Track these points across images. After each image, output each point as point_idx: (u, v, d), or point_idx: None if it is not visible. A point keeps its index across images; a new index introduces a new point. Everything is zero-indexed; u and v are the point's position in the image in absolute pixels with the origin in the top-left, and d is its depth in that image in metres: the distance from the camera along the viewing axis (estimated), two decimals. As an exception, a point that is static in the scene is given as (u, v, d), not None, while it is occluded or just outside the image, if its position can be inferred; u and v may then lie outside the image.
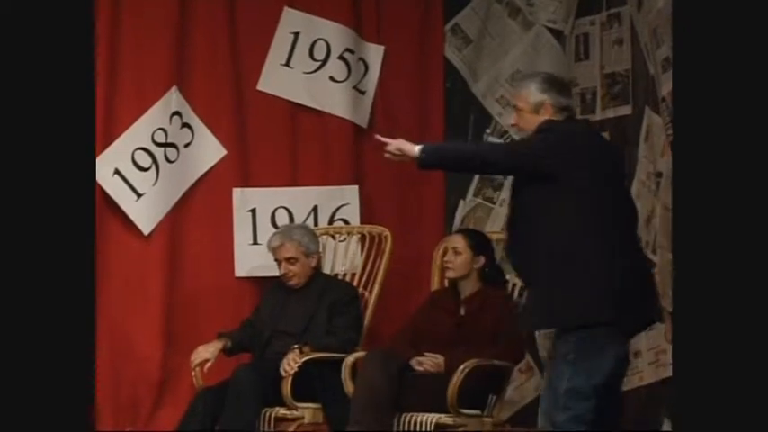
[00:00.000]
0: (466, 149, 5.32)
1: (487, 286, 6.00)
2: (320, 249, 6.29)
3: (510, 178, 6.04)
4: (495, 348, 5.81)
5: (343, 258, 6.51)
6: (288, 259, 6.10)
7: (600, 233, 4.87)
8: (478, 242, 6.00)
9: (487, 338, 5.89)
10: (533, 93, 5.01)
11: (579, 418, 4.75)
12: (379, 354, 5.85)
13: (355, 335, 6.08)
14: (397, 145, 4.97)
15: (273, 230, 6.50)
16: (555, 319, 4.95)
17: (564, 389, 4.77)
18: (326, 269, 6.41)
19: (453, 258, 5.98)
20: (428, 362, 5.82)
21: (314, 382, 5.85)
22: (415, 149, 4.93)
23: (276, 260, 6.17)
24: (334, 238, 6.51)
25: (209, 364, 6.02)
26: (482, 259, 5.97)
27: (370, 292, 6.37)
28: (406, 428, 5.66)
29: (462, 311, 5.96)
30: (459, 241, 6.01)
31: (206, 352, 6.03)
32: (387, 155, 5.03)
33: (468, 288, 5.97)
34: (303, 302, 6.14)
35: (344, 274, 6.44)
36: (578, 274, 4.84)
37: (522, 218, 4.91)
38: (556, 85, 5.11)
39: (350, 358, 5.86)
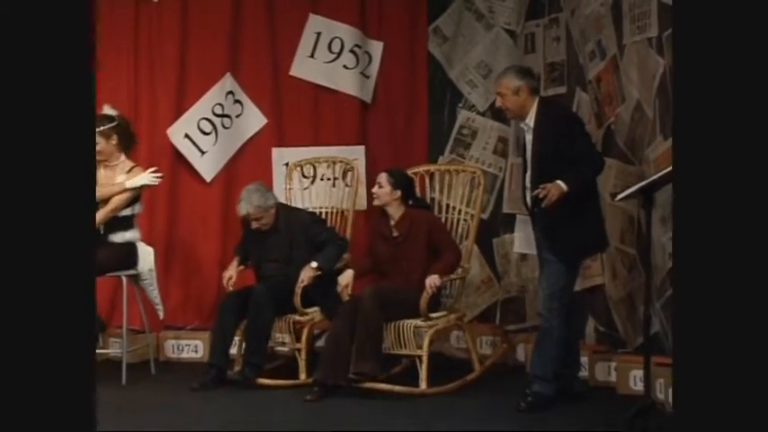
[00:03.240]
0: (587, 174, 5.33)
1: (412, 210, 6.24)
2: (275, 199, 6.48)
3: (489, 143, 7.06)
4: (448, 252, 6.08)
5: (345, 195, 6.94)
6: (254, 219, 6.42)
7: (594, 185, 5.46)
8: (397, 179, 6.22)
9: (424, 251, 6.09)
10: (512, 80, 5.42)
11: (566, 307, 5.47)
12: (348, 308, 5.92)
13: (341, 238, 6.48)
14: (554, 192, 5.14)
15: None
16: (577, 251, 5.42)
17: (561, 287, 5.41)
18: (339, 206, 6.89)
19: (377, 190, 6.20)
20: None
21: (314, 291, 6.30)
22: (564, 187, 5.16)
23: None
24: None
25: (233, 279, 6.44)
26: (399, 192, 6.18)
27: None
28: (391, 333, 5.92)
29: (395, 233, 6.19)
30: (382, 177, 6.24)
31: (229, 272, 6.49)
32: (545, 203, 5.14)
33: (396, 214, 6.19)
34: (277, 234, 6.43)
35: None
36: (589, 216, 5.36)
37: (552, 171, 5.23)
38: (527, 72, 5.57)
39: (343, 282, 6.15)
